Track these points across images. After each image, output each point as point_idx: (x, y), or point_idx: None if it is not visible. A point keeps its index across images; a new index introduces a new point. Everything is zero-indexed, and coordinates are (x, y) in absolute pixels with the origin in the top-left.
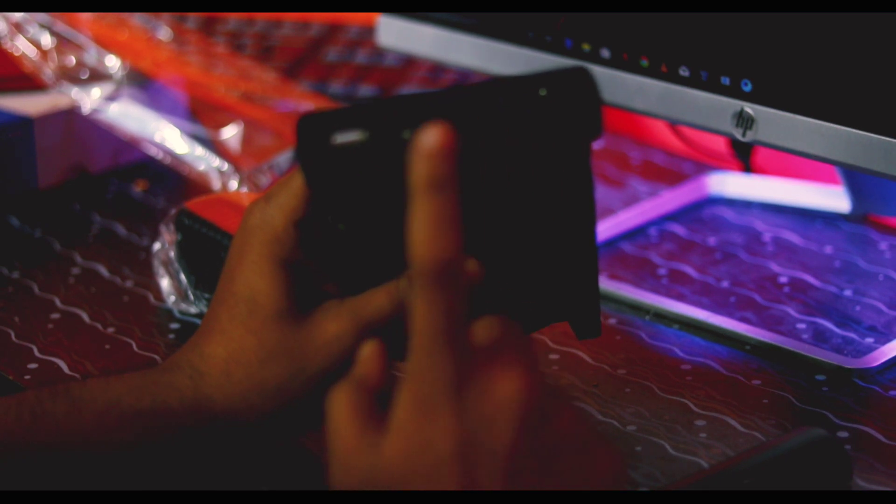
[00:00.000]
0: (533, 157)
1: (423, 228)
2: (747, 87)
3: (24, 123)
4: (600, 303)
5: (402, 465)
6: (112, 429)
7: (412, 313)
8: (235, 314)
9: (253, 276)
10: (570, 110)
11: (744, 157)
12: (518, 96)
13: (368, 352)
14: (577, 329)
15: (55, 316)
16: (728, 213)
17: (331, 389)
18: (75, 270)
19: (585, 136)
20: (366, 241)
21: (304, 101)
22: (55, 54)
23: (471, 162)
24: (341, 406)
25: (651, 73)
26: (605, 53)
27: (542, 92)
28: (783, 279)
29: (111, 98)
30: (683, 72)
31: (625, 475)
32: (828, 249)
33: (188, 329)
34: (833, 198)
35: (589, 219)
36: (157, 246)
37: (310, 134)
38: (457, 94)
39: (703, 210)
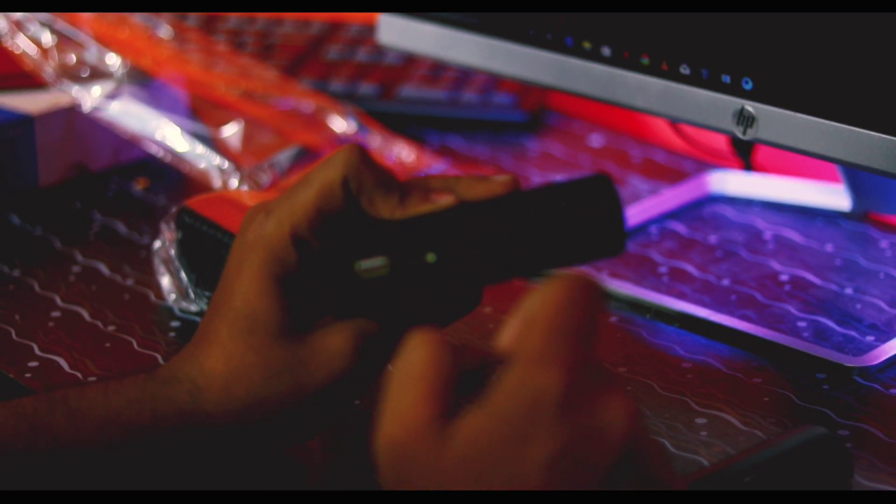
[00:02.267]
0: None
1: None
2: (748, 86)
3: (24, 121)
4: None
5: (482, 456)
6: (111, 442)
7: (547, 302)
8: (235, 330)
9: (252, 293)
10: (590, 224)
11: (744, 156)
12: (537, 210)
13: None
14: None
15: (56, 314)
16: (729, 212)
17: (416, 333)
18: (76, 268)
19: (606, 248)
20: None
21: (304, 99)
22: (56, 52)
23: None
24: (424, 368)
25: (652, 71)
26: (606, 51)
27: (563, 203)
28: (784, 277)
29: (112, 96)
30: (684, 70)
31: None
32: (828, 247)
33: (189, 327)
34: (834, 196)
35: None
36: (157, 244)
37: (334, 258)
38: (477, 213)
39: (703, 208)
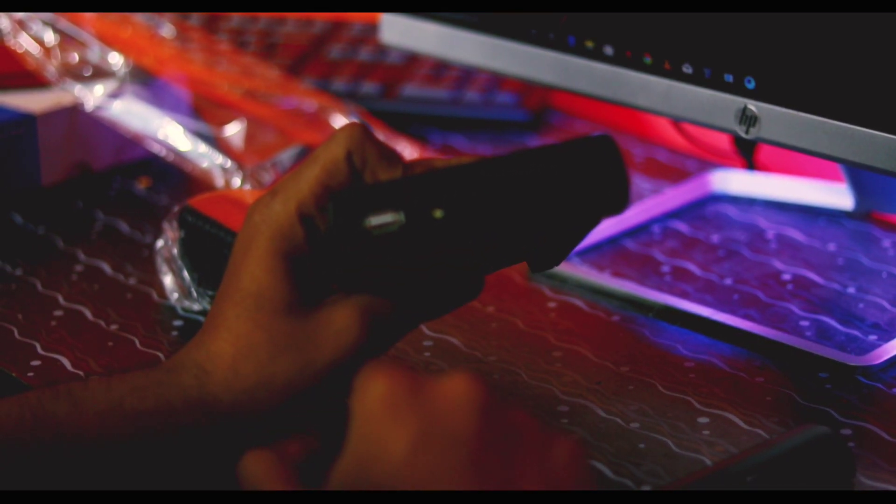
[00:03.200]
0: (554, 221)
1: None
2: (750, 85)
3: (27, 120)
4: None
5: (353, 481)
6: (114, 429)
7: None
8: (242, 310)
9: (259, 271)
10: (593, 182)
11: (747, 155)
12: (541, 168)
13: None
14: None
15: (58, 313)
16: (731, 211)
17: (246, 455)
18: (78, 268)
19: (608, 206)
20: (385, 289)
21: (307, 98)
22: (58, 51)
23: (491, 225)
24: (258, 465)
25: (654, 70)
26: (609, 51)
27: (568, 160)
28: (786, 276)
29: (114, 95)
30: (686, 69)
31: (587, 466)
32: (831, 247)
33: (191, 326)
34: (836, 195)
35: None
36: (160, 243)
37: (344, 215)
38: (482, 169)
39: (706, 207)
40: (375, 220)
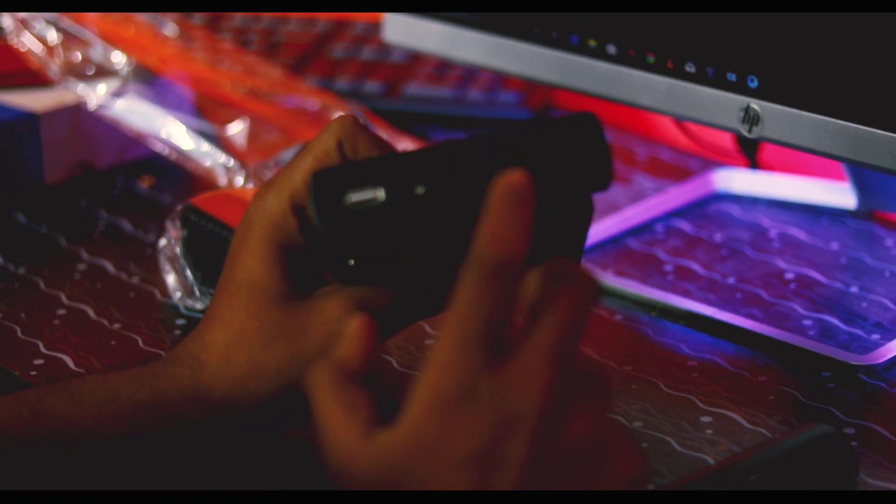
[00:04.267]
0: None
1: (498, 223)
2: (753, 84)
3: (30, 119)
4: None
5: (414, 463)
6: (110, 421)
7: (456, 304)
8: (235, 300)
9: (253, 261)
10: (577, 158)
11: (750, 154)
12: (526, 146)
13: (356, 328)
14: None
15: (61, 312)
16: (734, 210)
17: (310, 369)
18: (81, 266)
19: (594, 183)
20: (376, 277)
21: (310, 98)
22: (61, 50)
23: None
24: (325, 393)
25: (657, 69)
26: (612, 50)
27: (550, 137)
28: (789, 276)
29: (117, 94)
30: (689, 68)
31: (648, 476)
32: (834, 246)
33: (194, 325)
34: (839, 194)
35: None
36: (162, 242)
37: (325, 191)
38: (465, 147)
39: (709, 206)
40: (356, 197)
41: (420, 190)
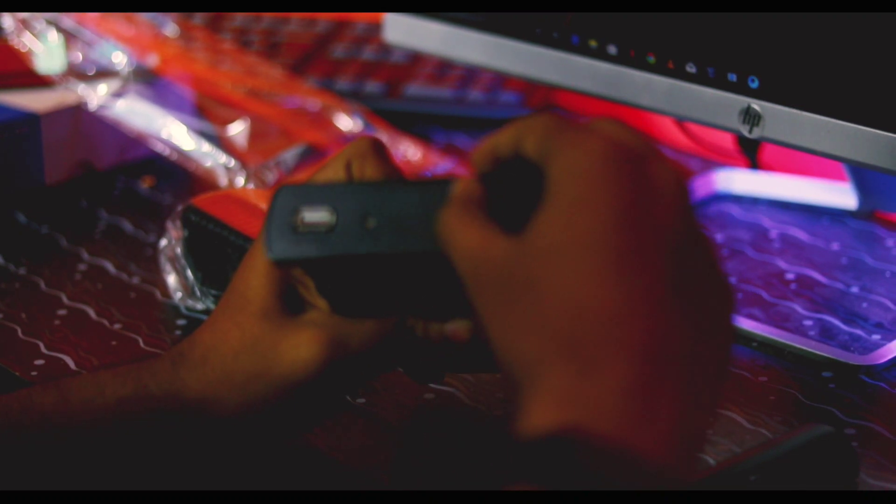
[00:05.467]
0: None
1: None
2: (754, 84)
3: (30, 120)
4: None
5: (557, 233)
6: (97, 416)
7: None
8: (227, 308)
9: (251, 274)
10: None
11: (751, 154)
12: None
13: (465, 178)
14: None
15: (62, 312)
16: (735, 210)
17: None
18: (82, 267)
19: None
20: (348, 299)
21: (310, 98)
22: (62, 51)
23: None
24: (457, 212)
25: (658, 69)
26: (612, 50)
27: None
28: (790, 276)
29: (118, 94)
30: (690, 68)
31: (733, 322)
32: (835, 246)
33: (195, 325)
34: (840, 194)
35: None
36: (163, 242)
37: (281, 205)
38: (426, 188)
39: (710, 206)
40: (308, 217)
41: (372, 222)
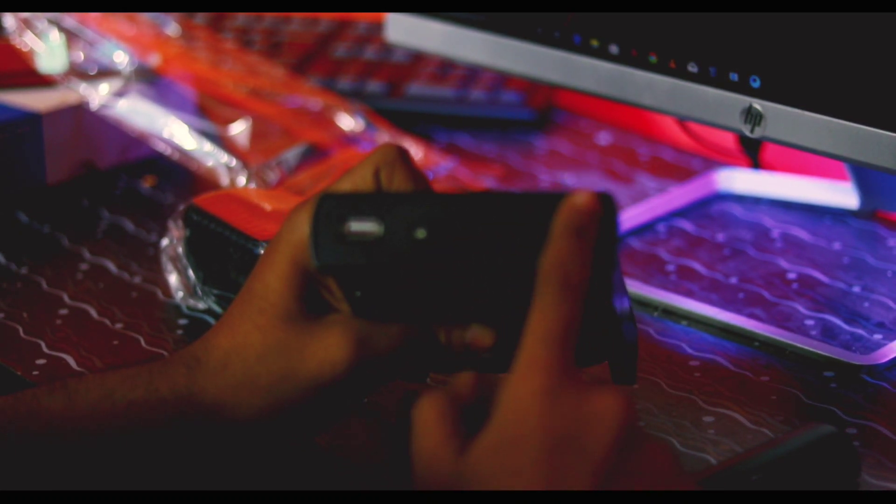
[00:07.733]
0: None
1: (563, 252)
2: (756, 84)
3: (32, 119)
4: (637, 354)
5: (490, 461)
6: (105, 420)
7: (533, 316)
8: (246, 310)
9: (271, 276)
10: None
11: (752, 154)
12: (531, 209)
13: (466, 375)
14: (615, 374)
15: (63, 312)
16: (736, 210)
17: (421, 396)
18: (83, 266)
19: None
20: (374, 306)
21: (312, 97)
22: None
23: (484, 261)
24: (430, 410)
25: (660, 69)
26: (614, 49)
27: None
28: (792, 275)
29: (119, 94)
30: (692, 68)
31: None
32: (836, 246)
33: (196, 324)
34: (842, 194)
35: (605, 290)
36: (165, 242)
37: (327, 213)
38: (474, 200)
39: (711, 206)
40: (355, 226)
41: (421, 234)
